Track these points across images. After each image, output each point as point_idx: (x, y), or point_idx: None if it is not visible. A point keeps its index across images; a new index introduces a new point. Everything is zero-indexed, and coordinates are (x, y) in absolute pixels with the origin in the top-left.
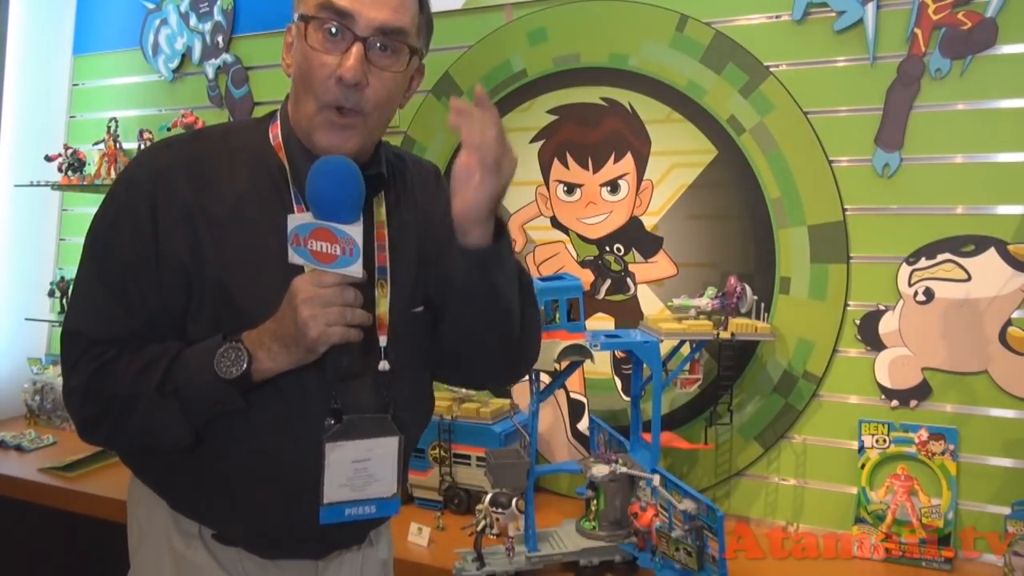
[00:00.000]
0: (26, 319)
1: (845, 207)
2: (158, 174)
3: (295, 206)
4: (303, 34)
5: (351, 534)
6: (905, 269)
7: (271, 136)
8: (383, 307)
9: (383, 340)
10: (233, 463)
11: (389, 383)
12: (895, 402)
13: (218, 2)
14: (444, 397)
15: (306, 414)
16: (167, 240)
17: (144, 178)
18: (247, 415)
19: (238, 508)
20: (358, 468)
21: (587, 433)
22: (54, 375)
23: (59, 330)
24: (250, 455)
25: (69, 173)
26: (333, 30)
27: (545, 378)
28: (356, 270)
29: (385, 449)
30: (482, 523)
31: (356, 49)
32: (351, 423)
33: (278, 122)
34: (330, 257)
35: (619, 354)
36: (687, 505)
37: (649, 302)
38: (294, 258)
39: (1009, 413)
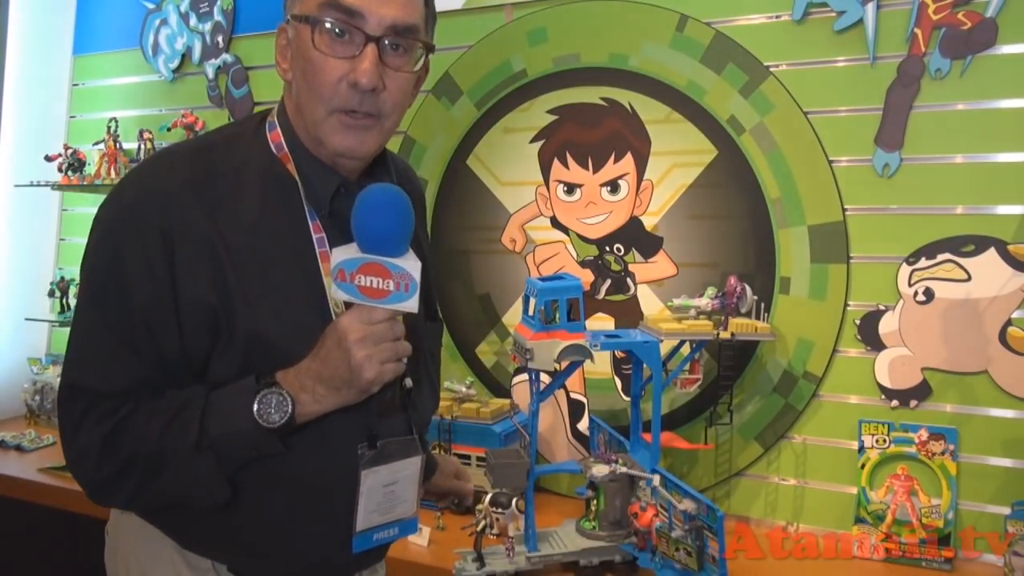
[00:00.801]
0: (26, 319)
1: (845, 207)
2: (168, 201)
3: (311, 223)
4: (309, 37)
5: (374, 556)
6: (905, 269)
7: (272, 146)
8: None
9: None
10: (264, 502)
11: (412, 401)
12: (895, 402)
13: (218, 2)
14: (444, 397)
15: (340, 445)
16: (187, 279)
17: (150, 206)
18: (280, 456)
19: (267, 545)
20: (387, 492)
21: (587, 433)
22: (54, 375)
23: (59, 330)
24: (283, 492)
25: (69, 173)
26: (339, 31)
27: (545, 378)
28: (412, 305)
29: (410, 470)
30: (482, 523)
31: (371, 51)
32: (384, 447)
33: (278, 129)
34: (381, 293)
35: (619, 354)
36: (687, 505)
37: (649, 302)
38: (338, 294)
39: (1009, 413)
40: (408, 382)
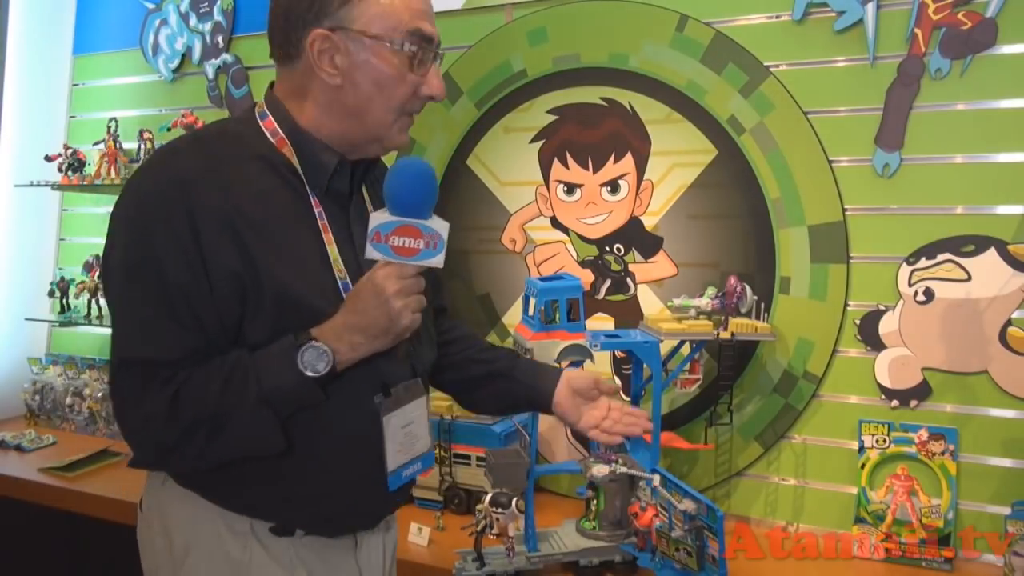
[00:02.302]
0: (26, 319)
1: (845, 207)
2: (186, 185)
3: (312, 200)
4: (386, 57)
5: (403, 493)
6: (905, 269)
7: (267, 132)
8: None
9: None
10: (304, 455)
11: (414, 348)
12: (895, 402)
13: (218, 2)
14: (444, 397)
15: (361, 396)
16: (214, 251)
17: (171, 191)
18: (314, 410)
19: (310, 496)
20: (406, 432)
21: None
22: (54, 375)
23: (59, 330)
24: (319, 443)
25: (69, 173)
26: (416, 50)
27: None
28: (439, 260)
29: (420, 409)
30: (482, 523)
31: (436, 67)
32: (397, 393)
33: (269, 117)
34: (411, 251)
35: (619, 354)
36: (687, 505)
37: (649, 302)
38: (372, 254)
39: (1009, 413)
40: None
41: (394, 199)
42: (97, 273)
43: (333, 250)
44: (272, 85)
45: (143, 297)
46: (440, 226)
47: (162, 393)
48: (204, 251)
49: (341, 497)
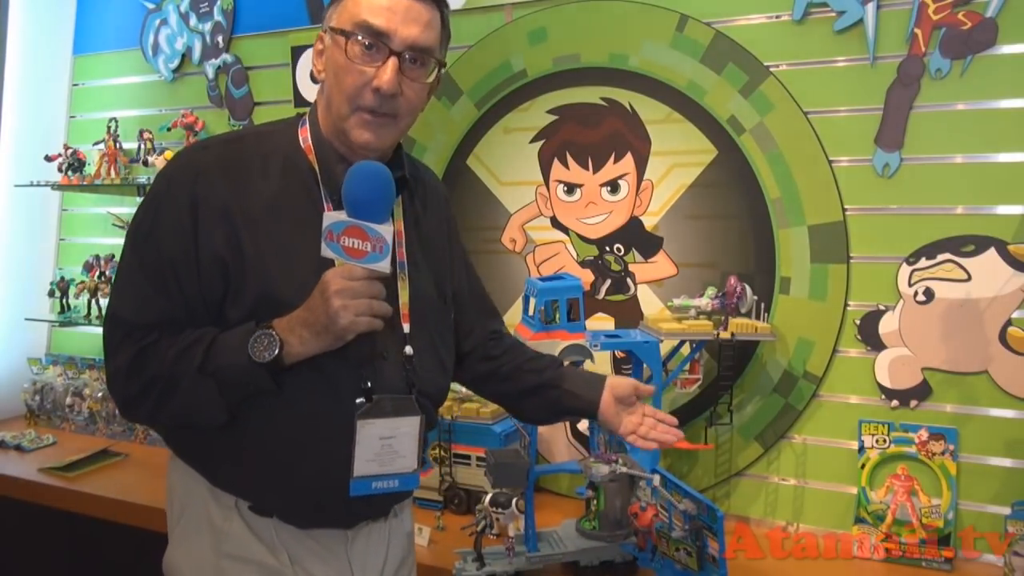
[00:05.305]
0: (26, 319)
1: (845, 207)
2: (198, 174)
3: (325, 205)
4: (342, 47)
5: (377, 507)
6: (905, 269)
7: (300, 139)
8: (404, 297)
9: (406, 327)
10: (269, 440)
11: (413, 366)
12: (895, 402)
13: (218, 2)
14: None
15: (337, 394)
16: (206, 236)
17: (185, 177)
18: (283, 396)
19: (273, 481)
20: (384, 444)
21: (587, 433)
22: (54, 375)
23: (59, 330)
24: (285, 432)
25: (69, 173)
26: (368, 44)
27: None
28: (385, 266)
29: (409, 428)
30: (482, 523)
31: (392, 63)
32: (379, 403)
33: (307, 126)
34: (360, 253)
35: (619, 354)
36: (687, 505)
37: (649, 302)
38: (326, 252)
39: (1009, 413)
40: (408, 349)
41: (346, 198)
42: (97, 273)
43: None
44: None
45: (140, 264)
46: (386, 231)
47: (130, 350)
48: (199, 234)
49: (302, 490)
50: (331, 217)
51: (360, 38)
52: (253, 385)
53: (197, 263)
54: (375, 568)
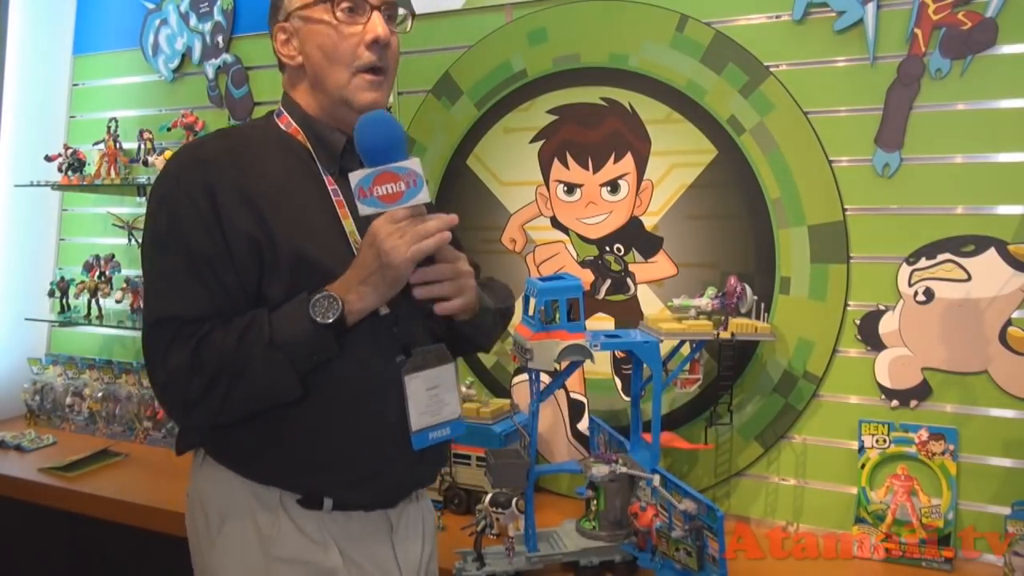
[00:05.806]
0: (26, 319)
1: (845, 207)
2: (206, 164)
3: (325, 178)
4: (330, 14)
5: (434, 456)
6: (905, 269)
7: (282, 126)
8: None
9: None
10: (320, 415)
11: (431, 314)
12: (895, 402)
13: (218, 2)
14: None
15: (379, 355)
16: (231, 220)
17: (193, 170)
18: (327, 370)
19: (328, 460)
20: (432, 395)
21: (587, 433)
22: (54, 375)
23: (59, 330)
24: (336, 402)
25: (69, 173)
26: (350, 7)
27: (545, 378)
28: (424, 196)
29: (448, 375)
30: (482, 523)
31: (378, 15)
32: (420, 355)
33: (285, 114)
34: (396, 195)
35: (619, 354)
36: (687, 505)
37: (649, 302)
38: (365, 210)
39: (1009, 413)
40: (418, 292)
41: (363, 150)
42: (97, 273)
43: (349, 223)
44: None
45: (172, 264)
46: (412, 163)
47: (186, 346)
48: (223, 221)
49: (363, 459)
50: (356, 176)
51: (341, 2)
52: (321, 351)
53: (228, 249)
54: (414, 554)
